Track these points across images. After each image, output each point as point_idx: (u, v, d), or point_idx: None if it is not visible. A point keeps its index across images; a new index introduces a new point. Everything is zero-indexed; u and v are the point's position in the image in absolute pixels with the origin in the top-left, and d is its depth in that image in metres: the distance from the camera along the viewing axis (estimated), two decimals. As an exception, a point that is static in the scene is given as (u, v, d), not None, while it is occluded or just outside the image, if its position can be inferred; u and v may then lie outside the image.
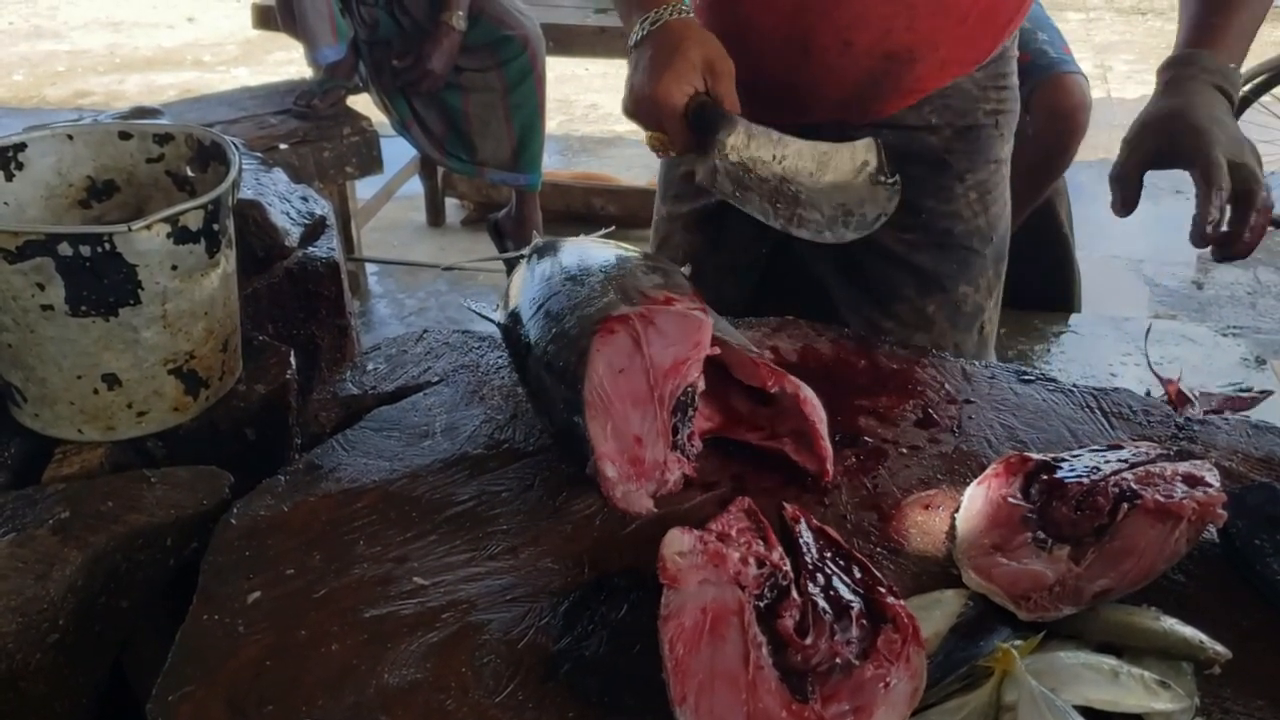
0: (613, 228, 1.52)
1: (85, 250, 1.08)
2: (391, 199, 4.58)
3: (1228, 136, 1.20)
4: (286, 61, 6.45)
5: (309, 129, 3.61)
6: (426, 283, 4.30)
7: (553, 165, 5.17)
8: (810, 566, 0.88)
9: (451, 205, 4.88)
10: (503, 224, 3.96)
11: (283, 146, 3.49)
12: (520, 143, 3.73)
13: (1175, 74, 1.27)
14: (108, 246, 1.08)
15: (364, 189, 4.25)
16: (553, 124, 4.44)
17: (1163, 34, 8.13)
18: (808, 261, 1.59)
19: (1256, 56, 5.34)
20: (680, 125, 1.29)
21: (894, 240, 1.50)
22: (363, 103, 3.97)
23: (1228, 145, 1.19)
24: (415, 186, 4.78)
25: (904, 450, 1.12)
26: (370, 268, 4.37)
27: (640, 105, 1.31)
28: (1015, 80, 1.57)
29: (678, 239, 1.62)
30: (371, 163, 3.79)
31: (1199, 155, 1.18)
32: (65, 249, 1.07)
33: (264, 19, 4.35)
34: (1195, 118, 1.21)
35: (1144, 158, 1.25)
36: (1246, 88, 4.47)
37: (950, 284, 1.54)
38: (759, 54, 1.41)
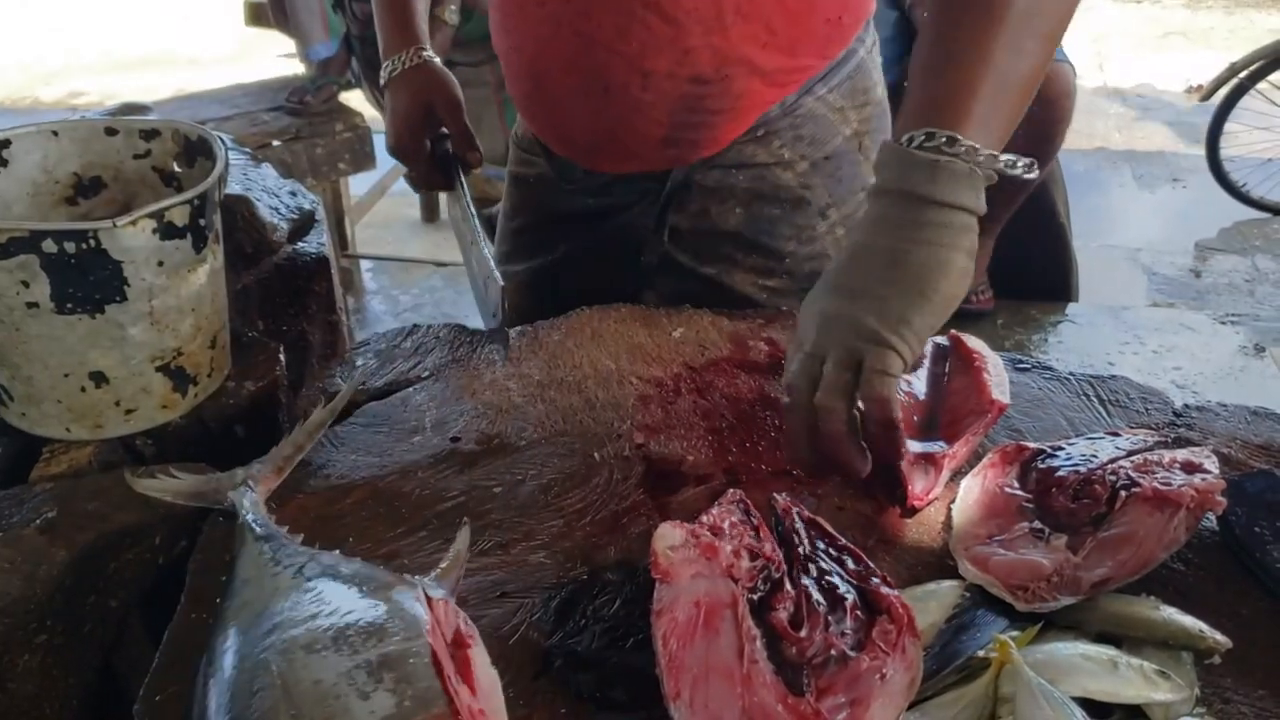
0: None
1: (70, 247, 1.06)
2: (385, 195, 4.58)
3: (920, 328, 0.91)
4: (280, 58, 6.43)
5: (302, 125, 3.62)
6: (421, 279, 4.30)
7: (547, 160, 5.15)
8: (803, 558, 0.87)
9: (445, 201, 4.87)
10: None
11: (276, 143, 3.50)
12: (514, 137, 3.71)
13: (882, 210, 0.95)
14: (93, 243, 1.07)
15: (358, 185, 4.25)
16: (547, 118, 4.42)
17: (1159, 22, 8.13)
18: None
19: (1252, 43, 5.35)
20: (425, 170, 1.48)
21: (756, 288, 1.40)
22: (355, 99, 3.97)
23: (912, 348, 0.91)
24: (409, 182, 4.77)
25: (899, 440, 1.11)
26: (365, 264, 4.37)
27: (394, 157, 1.48)
28: (881, 92, 1.43)
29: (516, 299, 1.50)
30: (364, 159, 3.79)
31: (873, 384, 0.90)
32: (50, 246, 1.06)
33: (257, 16, 4.34)
34: (888, 336, 0.90)
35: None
36: (1242, 74, 4.46)
37: None
38: (562, 103, 1.35)
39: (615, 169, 1.42)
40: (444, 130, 1.45)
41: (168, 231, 1.11)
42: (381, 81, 1.47)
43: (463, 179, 1.45)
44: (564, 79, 1.32)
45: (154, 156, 1.30)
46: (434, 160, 1.46)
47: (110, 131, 1.29)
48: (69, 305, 1.10)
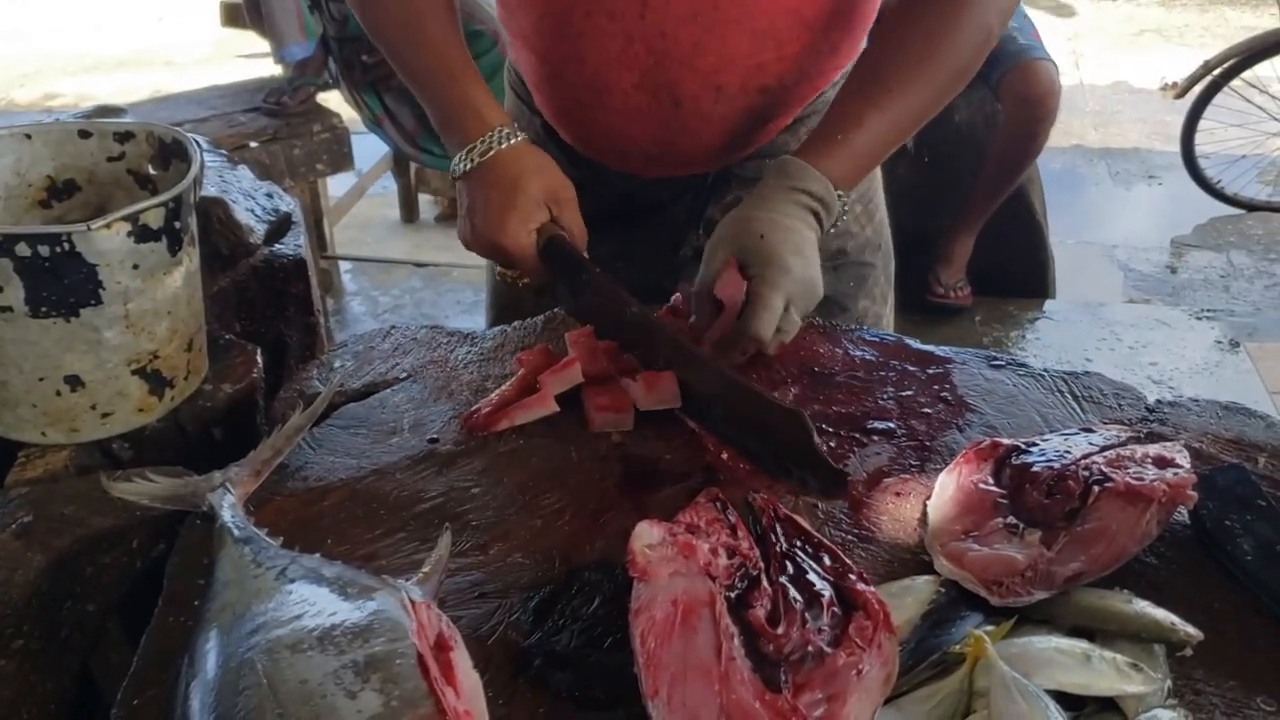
0: None
1: (44, 250, 1.06)
2: (364, 196, 4.57)
3: (802, 278, 1.15)
4: (256, 59, 6.40)
5: (279, 127, 3.60)
6: (401, 280, 4.29)
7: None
8: (780, 555, 0.87)
9: (425, 201, 4.86)
10: None
11: (253, 144, 3.49)
12: (493, 137, 3.71)
13: (773, 184, 1.20)
14: (67, 246, 1.07)
15: (336, 186, 4.24)
16: (526, 118, 4.42)
17: (1133, 20, 8.18)
18: None
19: (1226, 40, 5.37)
20: (533, 263, 1.26)
21: None
22: (333, 100, 3.96)
23: (793, 287, 1.14)
24: (388, 183, 4.77)
25: (875, 438, 1.12)
26: (344, 265, 4.35)
27: (486, 248, 1.28)
28: None
29: (529, 307, 1.42)
30: (342, 159, 3.78)
31: (761, 292, 1.13)
32: (23, 249, 1.05)
33: (233, 17, 4.33)
34: (778, 248, 1.14)
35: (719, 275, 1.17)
36: (1216, 71, 4.50)
37: (850, 302, 1.49)
38: (625, 116, 1.33)
39: (665, 174, 1.43)
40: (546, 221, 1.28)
41: (143, 234, 1.11)
42: (463, 166, 1.28)
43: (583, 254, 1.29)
44: (632, 93, 1.30)
45: (128, 159, 1.29)
46: (540, 253, 1.27)
47: (84, 134, 1.29)
48: (43, 309, 1.09)
